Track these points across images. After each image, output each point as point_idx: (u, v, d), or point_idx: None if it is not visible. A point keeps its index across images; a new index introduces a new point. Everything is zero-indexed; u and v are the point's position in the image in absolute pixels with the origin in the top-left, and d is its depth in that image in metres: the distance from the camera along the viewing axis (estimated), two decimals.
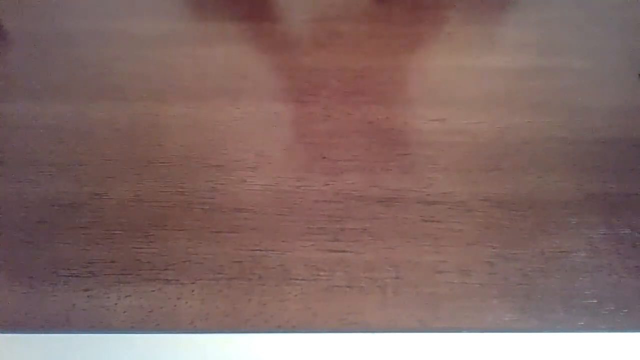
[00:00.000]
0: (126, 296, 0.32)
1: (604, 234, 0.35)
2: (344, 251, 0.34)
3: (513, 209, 0.36)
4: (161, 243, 0.34)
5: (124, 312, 0.31)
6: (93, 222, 0.36)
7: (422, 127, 0.43)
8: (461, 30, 0.54)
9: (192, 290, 0.32)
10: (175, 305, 0.31)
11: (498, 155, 0.40)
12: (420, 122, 0.43)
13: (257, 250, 0.34)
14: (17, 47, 0.51)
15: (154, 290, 0.32)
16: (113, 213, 0.36)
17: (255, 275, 0.33)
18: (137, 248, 0.34)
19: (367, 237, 0.35)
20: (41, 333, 0.31)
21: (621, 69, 0.48)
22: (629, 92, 0.46)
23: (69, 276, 0.33)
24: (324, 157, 0.40)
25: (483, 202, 0.37)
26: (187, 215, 0.36)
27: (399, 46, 0.51)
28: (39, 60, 0.49)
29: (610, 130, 0.42)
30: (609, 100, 0.45)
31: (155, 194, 0.37)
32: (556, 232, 0.35)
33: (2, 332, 0.31)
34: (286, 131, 0.42)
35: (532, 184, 0.38)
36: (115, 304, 0.31)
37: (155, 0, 0.57)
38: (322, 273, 0.33)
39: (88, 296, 0.32)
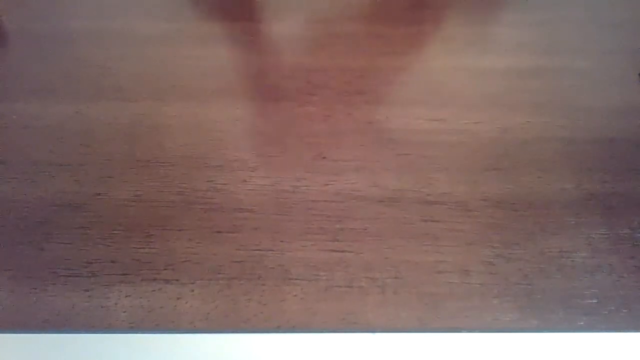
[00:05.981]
0: (126, 296, 0.32)
1: (604, 234, 0.35)
2: (344, 251, 0.34)
3: (513, 209, 0.36)
4: (161, 243, 0.34)
5: (124, 312, 0.31)
6: (93, 222, 0.36)
7: (422, 127, 0.43)
8: (461, 30, 0.53)
9: (192, 290, 0.32)
10: (175, 305, 0.31)
11: (498, 155, 0.40)
12: (420, 122, 0.43)
13: (257, 250, 0.34)
14: (17, 47, 0.51)
15: (154, 290, 0.32)
16: (113, 213, 0.36)
17: (255, 275, 0.33)
18: (137, 248, 0.34)
19: (367, 237, 0.35)
20: (41, 333, 0.31)
21: (621, 69, 0.48)
22: (629, 92, 0.46)
23: (69, 276, 0.33)
24: (324, 157, 0.40)
25: (483, 202, 0.37)
26: (187, 215, 0.36)
27: (399, 46, 0.51)
28: (39, 60, 0.49)
29: (611, 130, 0.42)
30: (609, 100, 0.45)
31: (155, 194, 0.37)
32: (556, 232, 0.35)
33: (2, 332, 0.31)
34: (286, 131, 0.42)
35: (532, 184, 0.38)
36: (115, 304, 0.31)
37: (155, 0, 0.57)
38: (322, 273, 0.33)
39: (88, 296, 0.32)
